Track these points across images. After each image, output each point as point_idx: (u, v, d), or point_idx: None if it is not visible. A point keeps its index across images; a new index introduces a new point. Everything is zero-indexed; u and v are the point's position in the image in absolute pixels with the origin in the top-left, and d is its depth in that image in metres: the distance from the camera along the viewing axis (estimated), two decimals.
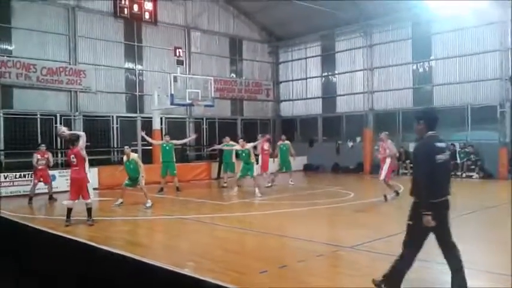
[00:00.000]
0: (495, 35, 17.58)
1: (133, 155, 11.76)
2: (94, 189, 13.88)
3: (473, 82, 18.23)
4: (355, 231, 8.34)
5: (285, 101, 26.09)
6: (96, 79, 18.90)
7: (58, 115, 18.03)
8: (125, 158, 11.76)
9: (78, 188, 9.23)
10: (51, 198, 13.02)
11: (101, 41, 19.32)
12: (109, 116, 19.62)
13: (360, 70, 22.14)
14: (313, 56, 24.53)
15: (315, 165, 22.87)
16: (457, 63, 18.74)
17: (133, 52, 20.55)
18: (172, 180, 14.84)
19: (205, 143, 22.52)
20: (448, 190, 4.72)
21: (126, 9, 19.63)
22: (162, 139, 15.80)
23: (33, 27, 17.41)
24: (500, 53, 17.47)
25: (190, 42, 22.14)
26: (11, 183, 14.11)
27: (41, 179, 12.89)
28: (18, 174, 14.38)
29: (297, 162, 19.55)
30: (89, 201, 9.22)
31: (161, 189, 14.44)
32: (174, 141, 15.29)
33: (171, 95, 16.59)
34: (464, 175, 17.87)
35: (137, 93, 20.62)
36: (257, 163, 15.57)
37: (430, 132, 4.67)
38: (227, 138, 16.22)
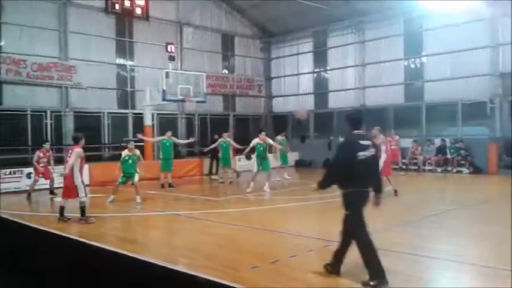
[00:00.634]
0: (486, 32, 17.70)
1: (137, 151, 11.85)
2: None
3: (464, 78, 18.35)
4: None
5: (277, 96, 26.13)
6: (87, 75, 18.73)
7: (49, 111, 17.87)
8: (125, 152, 11.69)
9: (65, 186, 9.19)
10: (52, 193, 12.85)
11: (92, 37, 19.12)
12: (100, 112, 19.49)
13: (352, 66, 22.24)
14: (305, 52, 24.54)
15: (307, 161, 22.94)
16: (448, 59, 18.86)
17: (124, 48, 20.40)
18: (166, 176, 14.84)
19: (196, 140, 22.37)
20: (369, 184, 5.12)
21: (117, 5, 19.48)
22: (153, 136, 15.70)
23: (24, 23, 17.17)
24: (491, 49, 17.62)
25: (182, 38, 22.05)
26: (1, 180, 13.88)
27: (41, 175, 12.81)
28: (8, 171, 14.25)
29: (289, 158, 19.59)
30: (82, 199, 9.11)
31: (162, 186, 14.47)
32: (175, 139, 15.27)
33: (163, 91, 16.53)
34: (454, 170, 18.04)
35: (129, 89, 20.50)
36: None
37: (355, 131, 5.19)
38: (225, 135, 15.96)
